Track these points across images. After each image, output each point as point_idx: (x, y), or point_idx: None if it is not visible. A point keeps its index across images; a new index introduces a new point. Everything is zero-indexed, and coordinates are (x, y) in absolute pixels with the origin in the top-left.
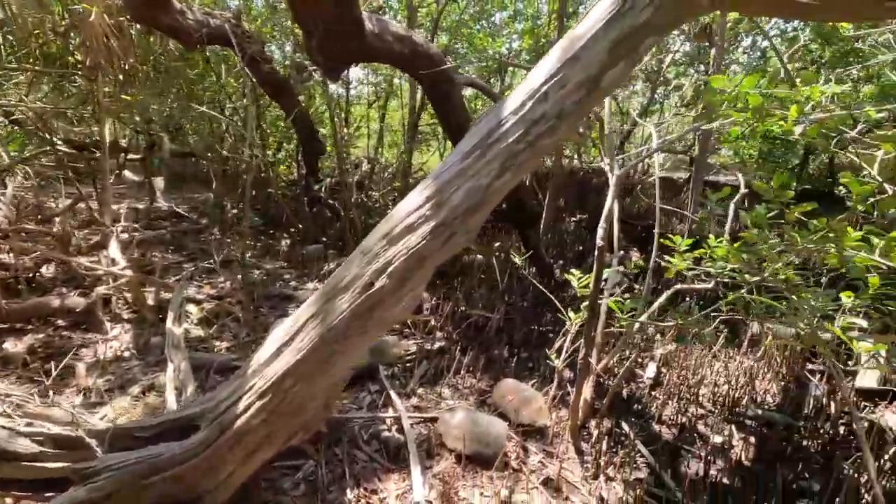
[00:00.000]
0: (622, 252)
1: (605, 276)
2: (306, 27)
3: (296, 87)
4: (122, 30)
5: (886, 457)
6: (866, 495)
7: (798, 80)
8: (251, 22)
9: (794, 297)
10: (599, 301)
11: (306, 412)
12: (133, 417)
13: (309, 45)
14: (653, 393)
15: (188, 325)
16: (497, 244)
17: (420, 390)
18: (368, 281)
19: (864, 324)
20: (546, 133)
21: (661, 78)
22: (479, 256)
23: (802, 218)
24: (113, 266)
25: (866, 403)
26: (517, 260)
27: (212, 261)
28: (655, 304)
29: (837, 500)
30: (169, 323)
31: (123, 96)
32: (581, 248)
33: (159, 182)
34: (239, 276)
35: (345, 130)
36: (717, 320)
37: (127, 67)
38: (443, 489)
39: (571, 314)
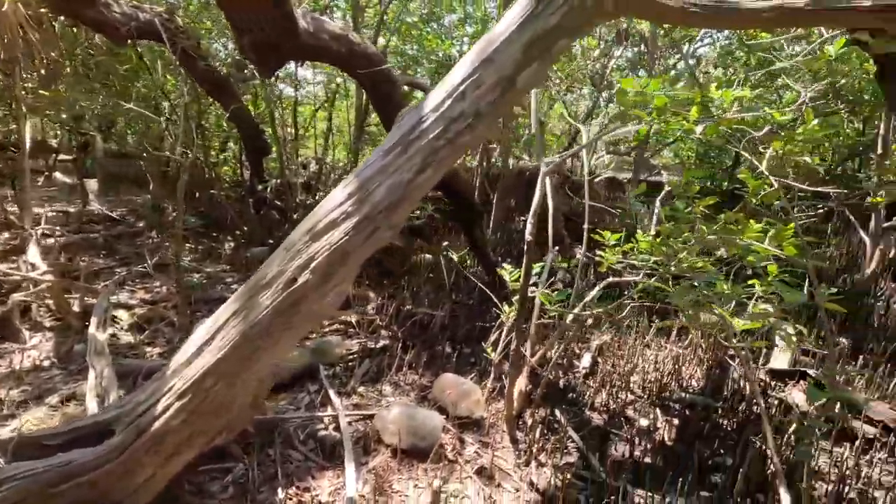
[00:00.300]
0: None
1: (536, 271)
2: (236, 24)
3: (237, 85)
4: (42, 22)
5: (790, 430)
6: (771, 465)
7: (714, 85)
8: (188, 17)
9: (701, 285)
10: (532, 294)
11: (230, 411)
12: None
13: (240, 43)
14: (587, 381)
15: (118, 331)
16: (445, 243)
17: (361, 388)
18: (291, 277)
19: (771, 308)
20: (465, 131)
21: (605, 82)
22: (428, 256)
23: (706, 212)
24: (32, 271)
25: (778, 383)
26: (453, 257)
27: (146, 265)
28: (588, 297)
29: (741, 471)
30: (92, 328)
31: (46, 92)
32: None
33: (92, 184)
34: (174, 280)
35: (289, 130)
36: (652, 312)
37: (49, 62)
38: (377, 483)
39: (506, 308)
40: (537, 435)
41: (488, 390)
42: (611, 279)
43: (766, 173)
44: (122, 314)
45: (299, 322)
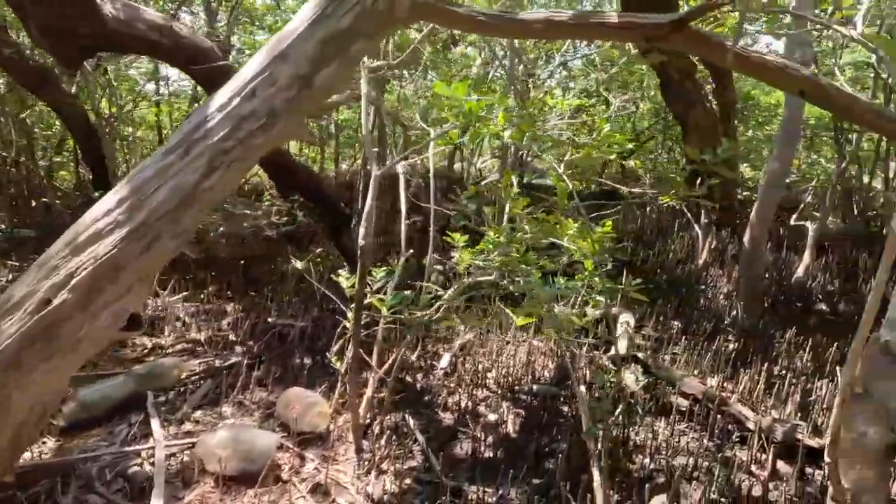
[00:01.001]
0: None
1: (380, 276)
2: (14, 4)
3: (62, 78)
4: None
5: (618, 410)
6: (601, 441)
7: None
8: None
9: (528, 281)
10: (381, 298)
11: None
12: None
13: (28, 29)
14: (446, 382)
15: None
16: (319, 249)
17: (198, 413)
18: (44, 297)
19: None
20: (258, 131)
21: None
22: (300, 263)
23: (522, 212)
24: None
25: (616, 367)
26: (297, 265)
27: None
28: (444, 297)
29: (561, 455)
30: None
31: None
32: (412, 248)
33: None
34: None
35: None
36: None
37: None
38: None
39: (350, 314)
40: (383, 442)
41: (337, 401)
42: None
43: (563, 177)
44: None
45: (63, 350)
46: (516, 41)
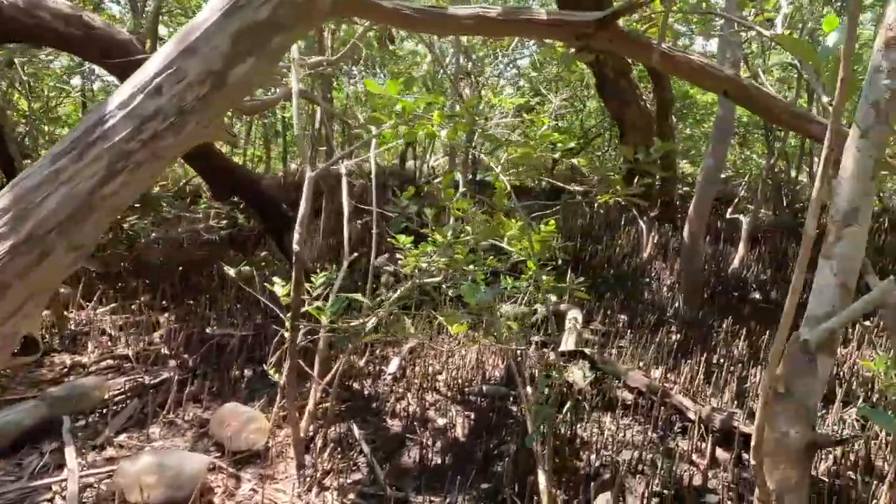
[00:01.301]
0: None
1: (320, 282)
2: None
3: None
4: None
5: (565, 408)
6: (546, 443)
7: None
8: None
9: (467, 285)
10: (319, 307)
11: None
12: None
13: None
14: (395, 387)
15: None
16: (264, 253)
17: (122, 437)
18: None
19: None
20: (166, 132)
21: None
22: (245, 268)
23: (462, 213)
24: None
25: (566, 364)
26: (230, 272)
27: None
28: (389, 302)
29: (507, 458)
30: None
31: None
32: (364, 249)
33: None
34: None
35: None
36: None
37: None
38: None
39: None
40: (326, 456)
41: (277, 415)
42: (413, 282)
43: (501, 176)
44: None
45: None
46: (463, 39)
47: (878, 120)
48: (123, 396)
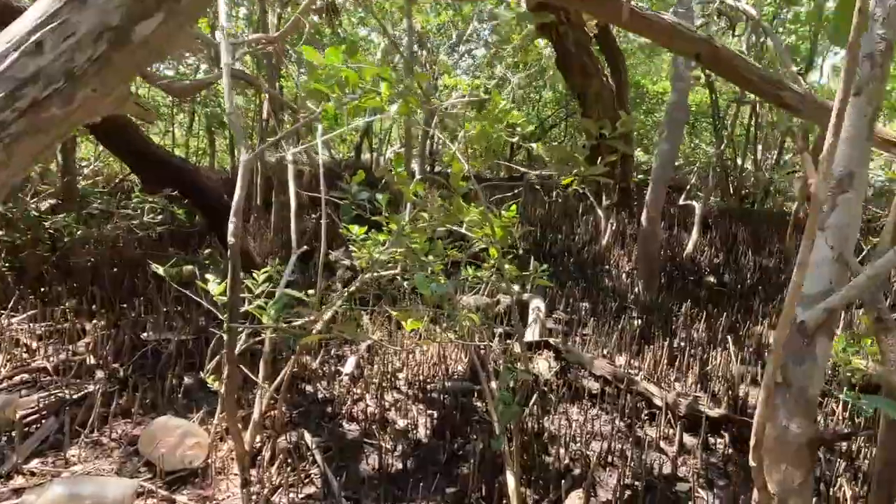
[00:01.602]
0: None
1: (262, 279)
2: None
3: None
4: None
5: (531, 401)
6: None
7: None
8: None
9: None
10: (261, 305)
11: None
12: None
13: None
14: (352, 388)
15: None
16: (209, 251)
17: (34, 462)
18: None
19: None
20: (51, 99)
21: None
22: (189, 267)
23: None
24: None
25: (531, 356)
26: (160, 271)
27: None
28: (339, 298)
29: (472, 460)
30: None
31: None
32: (317, 243)
33: None
34: None
35: None
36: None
37: None
38: None
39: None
40: (275, 470)
41: (218, 427)
42: (363, 276)
43: (459, 156)
44: None
45: None
46: (417, 24)
47: (872, 74)
48: (38, 415)
